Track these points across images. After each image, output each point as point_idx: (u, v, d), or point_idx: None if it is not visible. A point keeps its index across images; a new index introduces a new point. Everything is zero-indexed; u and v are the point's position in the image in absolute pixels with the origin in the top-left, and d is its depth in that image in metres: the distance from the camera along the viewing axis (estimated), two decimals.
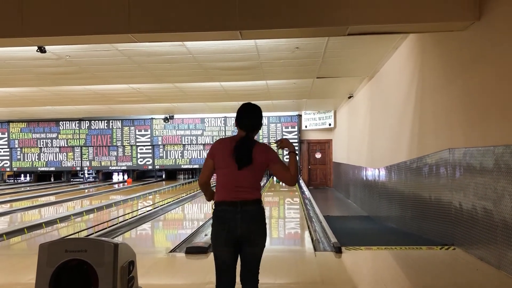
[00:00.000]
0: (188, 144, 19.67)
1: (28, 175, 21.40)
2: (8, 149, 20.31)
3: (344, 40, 7.01)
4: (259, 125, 2.94)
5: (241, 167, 2.78)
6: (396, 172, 7.80)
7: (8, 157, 20.34)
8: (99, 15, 4.66)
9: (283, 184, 3.10)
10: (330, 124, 17.87)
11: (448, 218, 5.30)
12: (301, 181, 17.68)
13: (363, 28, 4.78)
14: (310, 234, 6.79)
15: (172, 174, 21.02)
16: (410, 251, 5.30)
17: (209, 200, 3.05)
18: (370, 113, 10.48)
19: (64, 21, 4.68)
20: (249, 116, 2.91)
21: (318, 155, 19.27)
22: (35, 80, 9.87)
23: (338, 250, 5.15)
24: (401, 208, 7.54)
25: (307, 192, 14.00)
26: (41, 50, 6.81)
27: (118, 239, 6.65)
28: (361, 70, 9.63)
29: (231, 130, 19.08)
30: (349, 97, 13.24)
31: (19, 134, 20.21)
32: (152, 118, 19.55)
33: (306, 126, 18.67)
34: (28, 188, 17.43)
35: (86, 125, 19.97)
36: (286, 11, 4.54)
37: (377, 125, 9.63)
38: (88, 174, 20.80)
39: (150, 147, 19.88)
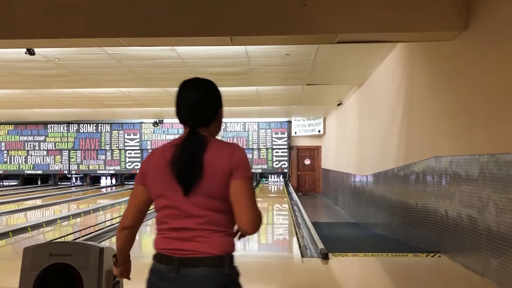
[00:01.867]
0: None
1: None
2: None
3: (333, 48, 7.07)
4: (211, 110, 1.65)
5: (188, 188, 1.56)
6: (384, 180, 7.85)
7: None
8: (89, 19, 4.66)
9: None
10: (319, 131, 17.95)
11: (434, 225, 5.35)
12: (290, 187, 17.70)
13: (352, 36, 4.84)
14: (298, 240, 6.80)
15: None
16: (397, 258, 5.33)
17: (120, 269, 1.81)
18: (358, 121, 10.55)
19: (53, 24, 4.66)
20: (192, 97, 1.64)
21: (307, 162, 19.32)
22: (23, 82, 9.79)
23: (325, 257, 5.16)
24: (388, 215, 7.58)
25: (295, 198, 14.02)
26: (30, 52, 6.76)
27: (105, 244, 6.59)
28: (350, 78, 9.71)
29: (222, 136, 19.02)
30: (338, 105, 13.33)
31: (5, 137, 19.96)
32: (141, 122, 19.45)
33: (295, 133, 18.72)
34: (14, 191, 17.23)
35: (75, 128, 19.80)
36: (276, 18, 4.57)
37: (366, 132, 9.70)
38: (75, 176, 20.54)
39: (139, 151, 19.76)
